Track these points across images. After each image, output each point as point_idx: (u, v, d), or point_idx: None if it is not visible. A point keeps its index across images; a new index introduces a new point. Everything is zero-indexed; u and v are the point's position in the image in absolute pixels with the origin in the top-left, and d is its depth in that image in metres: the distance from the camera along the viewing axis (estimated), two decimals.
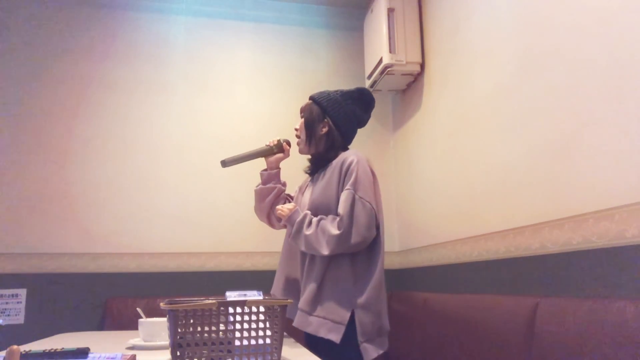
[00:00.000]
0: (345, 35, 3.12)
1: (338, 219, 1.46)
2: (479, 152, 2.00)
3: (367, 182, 1.51)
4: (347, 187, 1.49)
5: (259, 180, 1.75)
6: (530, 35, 1.68)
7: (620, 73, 1.29)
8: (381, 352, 1.47)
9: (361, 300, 1.45)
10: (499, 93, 1.86)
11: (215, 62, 2.92)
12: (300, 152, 1.72)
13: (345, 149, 1.68)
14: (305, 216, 1.52)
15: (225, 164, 1.60)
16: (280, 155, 1.72)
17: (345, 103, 1.65)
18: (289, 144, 1.73)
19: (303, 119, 1.68)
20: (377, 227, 1.51)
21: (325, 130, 1.63)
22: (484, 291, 1.92)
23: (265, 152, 1.69)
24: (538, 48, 1.63)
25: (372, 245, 1.51)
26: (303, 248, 1.52)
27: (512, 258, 1.75)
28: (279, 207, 1.59)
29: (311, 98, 1.69)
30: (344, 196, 1.48)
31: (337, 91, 1.69)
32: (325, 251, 1.44)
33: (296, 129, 1.70)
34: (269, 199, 1.70)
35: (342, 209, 1.46)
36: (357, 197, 1.46)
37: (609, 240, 1.31)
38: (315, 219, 1.50)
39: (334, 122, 1.63)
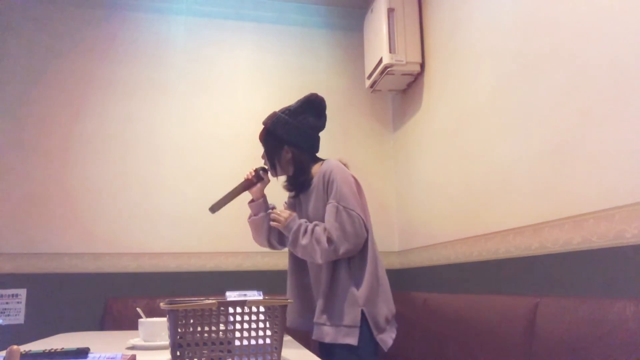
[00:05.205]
0: (345, 35, 3.12)
1: (327, 231, 1.51)
2: (478, 152, 2.00)
3: (348, 189, 1.55)
4: (330, 200, 1.55)
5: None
6: (530, 36, 1.68)
7: (621, 73, 1.29)
8: (394, 335, 1.56)
9: (363, 298, 1.52)
10: (499, 93, 1.85)
11: (215, 62, 2.91)
12: (271, 176, 1.75)
13: (315, 158, 1.71)
14: (300, 226, 1.58)
15: (213, 210, 1.69)
16: (259, 185, 1.74)
17: (296, 121, 1.66)
18: (266, 170, 1.76)
19: (264, 150, 1.72)
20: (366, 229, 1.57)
21: (289, 156, 1.67)
22: (484, 291, 1.92)
23: (247, 186, 1.73)
24: (538, 48, 1.63)
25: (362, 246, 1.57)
26: (300, 255, 1.61)
27: (512, 258, 1.75)
28: (273, 215, 1.65)
29: (264, 124, 1.71)
30: (328, 210, 1.54)
31: (284, 111, 1.68)
32: (319, 260, 1.53)
33: (262, 157, 1.75)
34: (264, 227, 1.74)
35: (327, 222, 1.53)
36: (340, 208, 1.51)
37: (609, 240, 1.31)
38: (310, 227, 1.57)
39: (293, 145, 1.66)
